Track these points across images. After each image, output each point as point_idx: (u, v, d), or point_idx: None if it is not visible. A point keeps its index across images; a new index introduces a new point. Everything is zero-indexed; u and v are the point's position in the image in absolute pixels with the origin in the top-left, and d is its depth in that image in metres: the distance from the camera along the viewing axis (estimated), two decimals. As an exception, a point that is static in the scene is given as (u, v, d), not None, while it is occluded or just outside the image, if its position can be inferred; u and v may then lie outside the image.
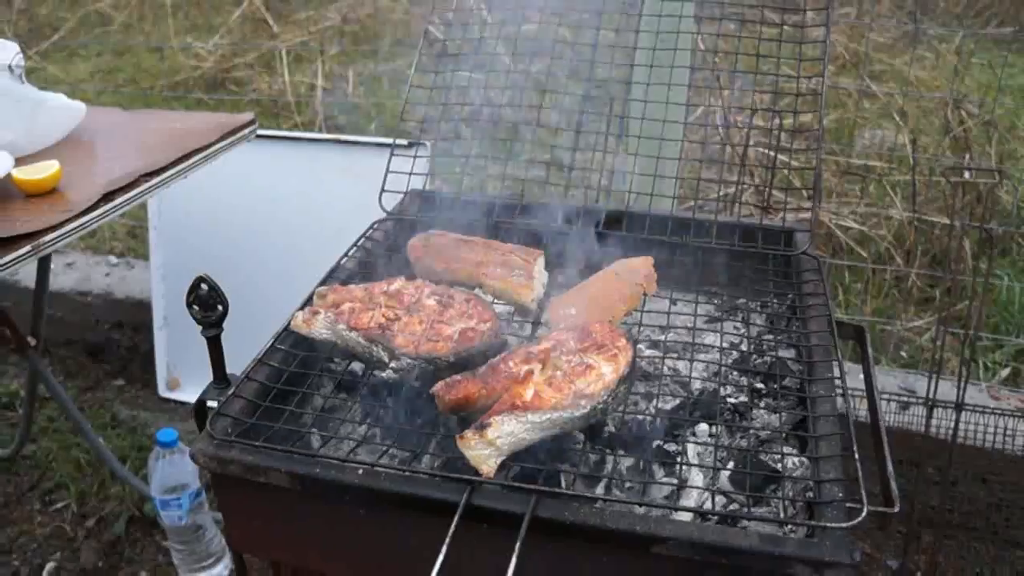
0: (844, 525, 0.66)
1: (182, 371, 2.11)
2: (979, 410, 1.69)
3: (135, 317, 2.24)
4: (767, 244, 1.07)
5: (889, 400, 1.76)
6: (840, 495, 0.69)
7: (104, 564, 1.71)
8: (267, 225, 1.92)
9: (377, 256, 1.06)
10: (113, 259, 2.44)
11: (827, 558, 0.64)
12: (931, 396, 1.51)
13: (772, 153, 1.38)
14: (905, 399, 1.76)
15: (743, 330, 0.95)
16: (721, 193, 1.96)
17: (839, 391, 0.82)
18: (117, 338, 2.32)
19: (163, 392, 2.11)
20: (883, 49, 2.89)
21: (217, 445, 0.76)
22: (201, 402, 0.93)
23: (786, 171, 2.16)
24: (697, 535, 0.66)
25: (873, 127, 2.59)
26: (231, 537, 0.84)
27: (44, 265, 1.68)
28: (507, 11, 1.48)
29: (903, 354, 2.03)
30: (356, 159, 1.93)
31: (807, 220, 1.67)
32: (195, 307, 0.89)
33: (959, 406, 1.51)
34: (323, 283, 0.96)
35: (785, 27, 1.26)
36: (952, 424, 1.51)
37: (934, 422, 1.55)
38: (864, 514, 0.66)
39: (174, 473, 1.54)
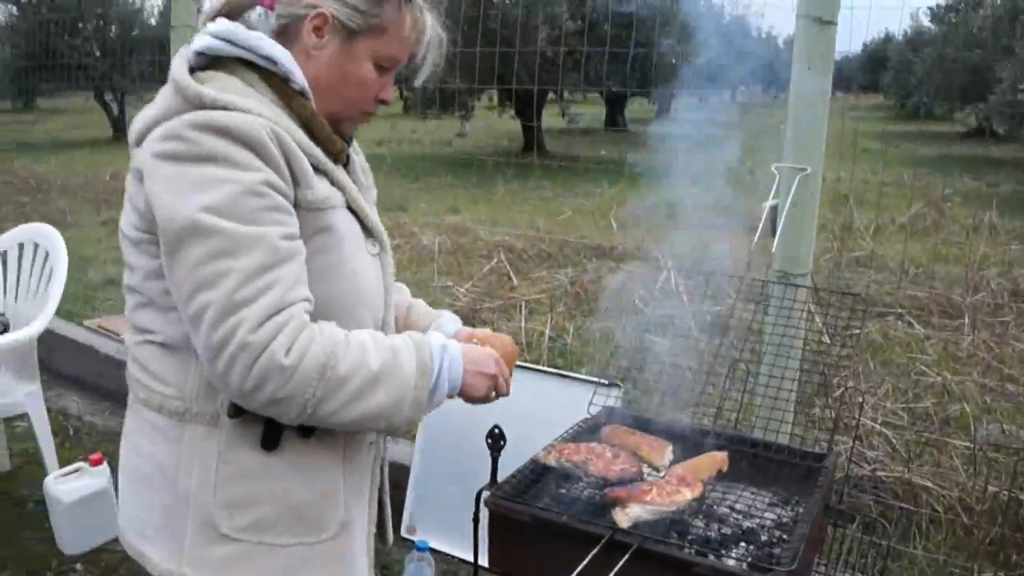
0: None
1: (418, 521, 3.06)
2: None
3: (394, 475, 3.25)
4: (805, 460, 1.91)
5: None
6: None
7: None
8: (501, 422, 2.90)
9: (581, 433, 2.00)
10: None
11: (774, 589, 1.46)
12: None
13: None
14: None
15: (771, 500, 1.79)
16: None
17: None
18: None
19: (403, 533, 3.05)
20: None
21: (498, 496, 1.69)
22: (480, 492, 1.85)
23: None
24: (725, 568, 1.50)
25: (996, 421, 3.30)
26: (494, 559, 1.73)
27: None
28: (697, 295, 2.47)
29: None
30: (568, 390, 2.89)
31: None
32: (489, 440, 1.84)
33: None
34: (554, 442, 1.90)
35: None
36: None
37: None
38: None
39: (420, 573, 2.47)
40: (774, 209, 2.49)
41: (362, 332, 1.27)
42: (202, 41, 1.30)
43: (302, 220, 1.25)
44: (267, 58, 1.30)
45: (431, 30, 1.40)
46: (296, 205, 1.25)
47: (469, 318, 4.35)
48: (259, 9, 1.36)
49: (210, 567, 1.30)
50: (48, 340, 3.14)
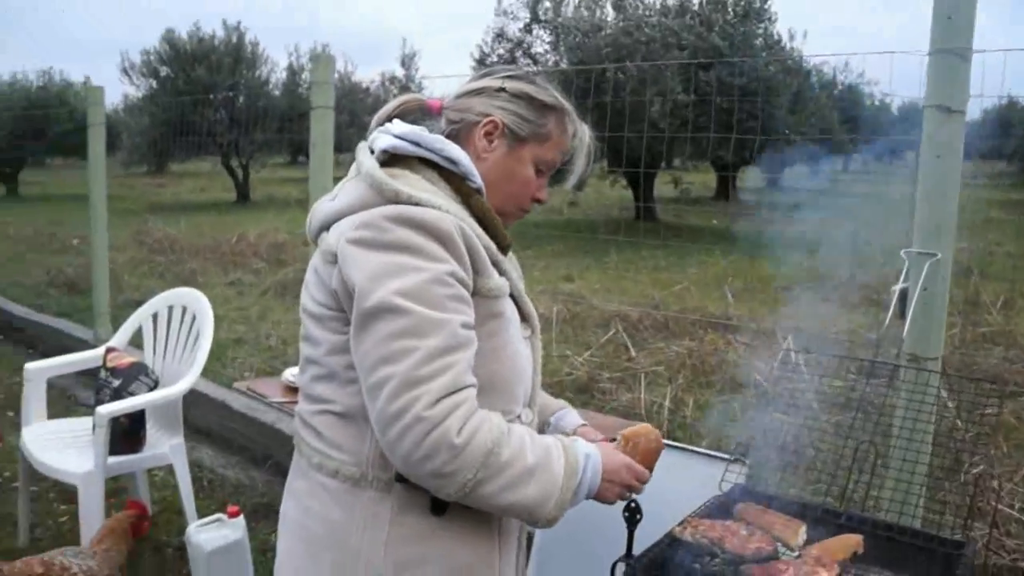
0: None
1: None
2: None
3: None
4: (943, 547, 1.89)
5: None
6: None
7: None
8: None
9: (714, 509, 2.03)
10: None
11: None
12: None
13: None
14: None
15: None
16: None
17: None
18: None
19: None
20: None
21: (636, 568, 1.74)
22: (615, 564, 1.90)
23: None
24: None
25: None
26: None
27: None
28: (818, 372, 2.49)
29: None
30: (693, 464, 2.91)
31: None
32: (626, 513, 1.89)
33: None
34: (689, 516, 1.94)
35: None
36: None
37: None
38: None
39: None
40: (904, 293, 2.50)
41: (520, 427, 1.37)
42: (388, 141, 1.44)
43: (478, 306, 1.37)
44: (449, 159, 1.44)
45: (586, 140, 1.57)
46: (474, 293, 1.37)
47: (587, 387, 4.42)
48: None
49: None
50: (185, 395, 3.35)
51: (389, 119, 1.51)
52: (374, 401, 1.27)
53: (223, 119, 18.61)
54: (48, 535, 3.57)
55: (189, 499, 3.36)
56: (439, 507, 1.38)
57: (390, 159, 1.44)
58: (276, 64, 21.86)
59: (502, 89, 1.49)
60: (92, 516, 2.99)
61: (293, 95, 20.34)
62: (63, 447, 3.22)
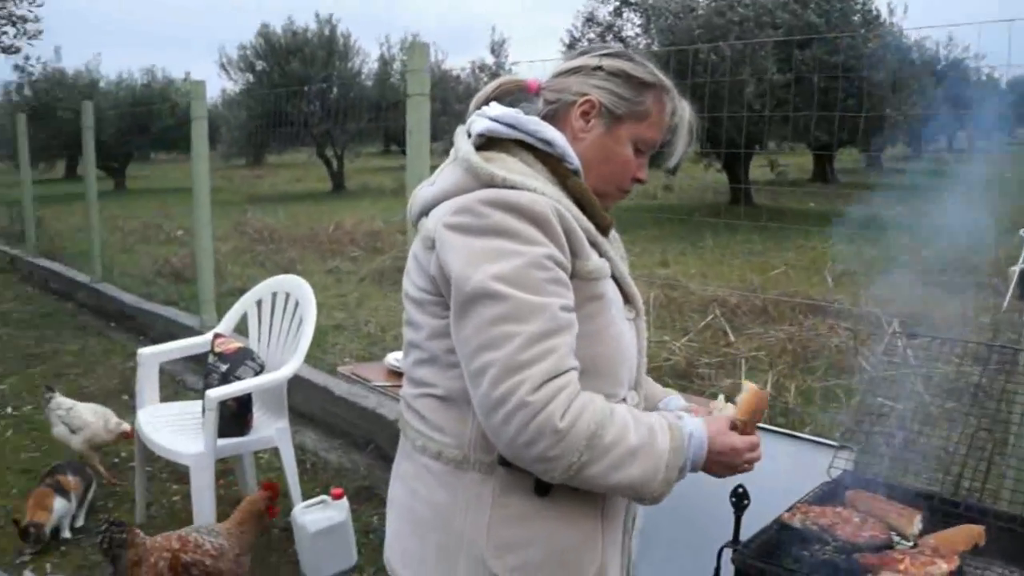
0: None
1: (641, 571, 3.09)
2: None
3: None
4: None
5: None
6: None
7: None
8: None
9: (823, 496, 1.98)
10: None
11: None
12: None
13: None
14: None
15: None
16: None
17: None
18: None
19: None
20: None
21: (745, 554, 1.71)
22: (722, 549, 1.88)
23: None
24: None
25: None
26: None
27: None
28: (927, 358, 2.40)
29: None
30: (797, 450, 2.85)
31: None
32: (733, 499, 1.86)
33: None
34: (798, 503, 1.90)
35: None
36: None
37: None
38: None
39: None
40: (1023, 274, 2.40)
41: (623, 407, 1.36)
42: (484, 124, 1.44)
43: (577, 288, 1.36)
44: (545, 141, 1.43)
45: (686, 117, 1.52)
46: (573, 275, 1.36)
47: (686, 373, 4.37)
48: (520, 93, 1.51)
49: None
50: (289, 380, 3.43)
51: (487, 102, 1.51)
52: (476, 387, 1.28)
53: (317, 111, 18.98)
54: (162, 513, 3.71)
55: (294, 481, 3.44)
56: (542, 488, 1.38)
57: (487, 142, 1.44)
58: (368, 55, 22.15)
59: (599, 67, 1.47)
60: (203, 495, 3.09)
61: (385, 85, 20.63)
62: (175, 429, 3.35)
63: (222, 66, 21.39)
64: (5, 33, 7.40)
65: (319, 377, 4.83)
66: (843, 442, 2.33)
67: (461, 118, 1.56)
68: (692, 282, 6.70)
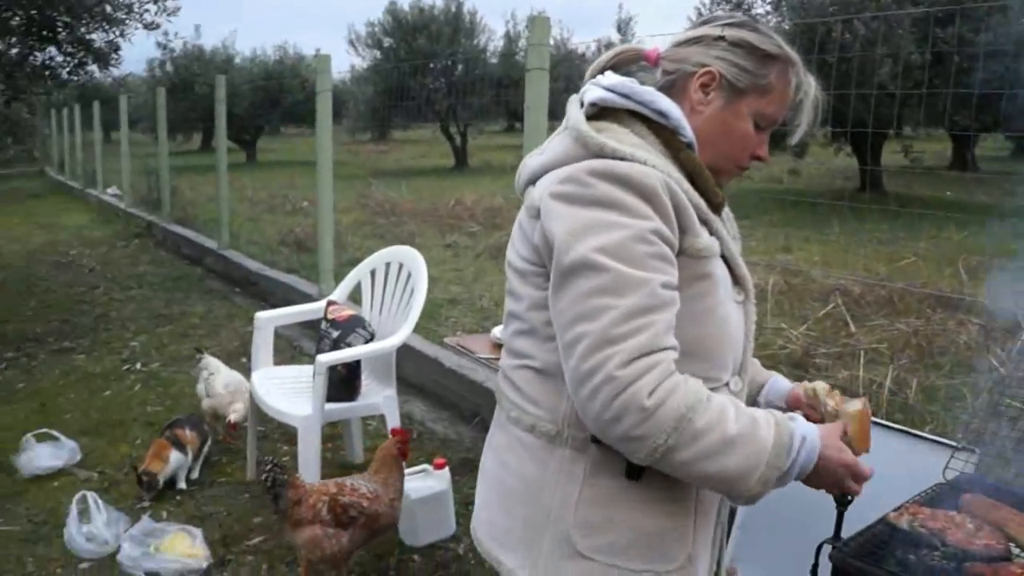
0: None
1: (740, 563, 3.02)
2: None
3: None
4: None
5: None
6: None
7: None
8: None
9: (937, 498, 1.88)
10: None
11: None
12: None
13: None
14: None
15: None
16: None
17: None
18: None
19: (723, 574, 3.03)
20: None
21: (845, 553, 1.64)
22: (821, 545, 1.80)
23: None
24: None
25: None
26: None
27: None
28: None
29: None
30: (914, 449, 2.72)
31: None
32: (837, 495, 1.78)
33: None
34: (907, 503, 1.81)
35: None
36: None
37: None
38: None
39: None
40: None
41: (723, 396, 1.30)
42: (597, 93, 1.40)
43: (684, 266, 1.31)
44: (659, 112, 1.38)
45: (812, 93, 1.44)
46: (680, 252, 1.31)
47: (802, 363, 4.23)
48: (642, 63, 1.46)
49: None
50: (398, 349, 3.48)
51: (603, 71, 1.46)
52: (568, 359, 1.25)
53: (441, 87, 19.18)
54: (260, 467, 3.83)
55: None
56: (634, 471, 1.34)
57: (599, 112, 1.40)
58: (493, 32, 22.26)
59: (721, 38, 1.40)
60: (309, 457, 3.18)
61: (510, 62, 20.66)
62: (286, 392, 3.44)
63: (350, 42, 21.87)
64: (147, 10, 7.83)
65: (430, 349, 4.89)
66: (965, 443, 2.20)
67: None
68: (814, 269, 6.47)
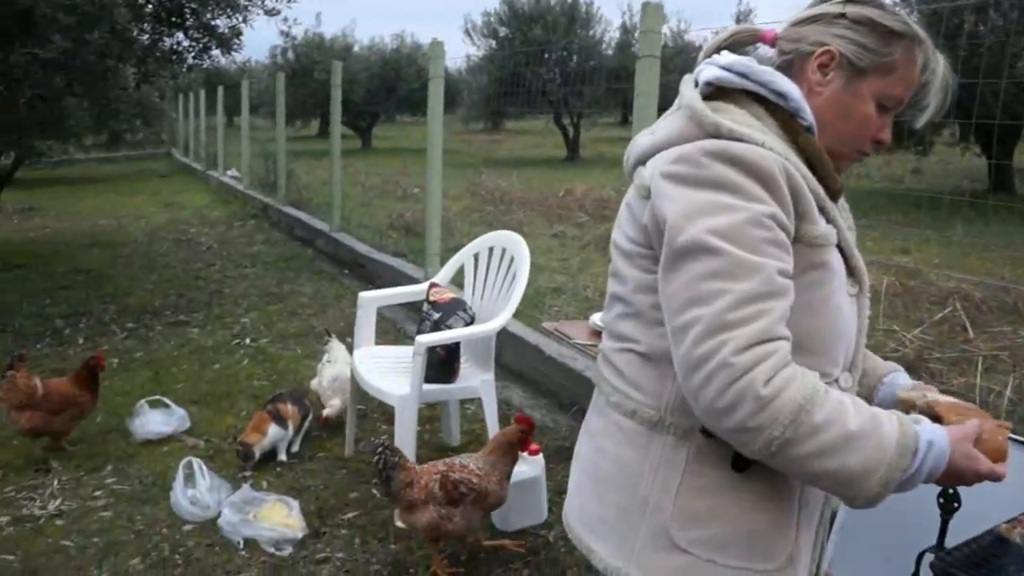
0: None
1: (836, 567, 2.92)
2: None
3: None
4: None
5: None
6: None
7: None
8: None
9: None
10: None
11: None
12: None
13: None
14: None
15: None
16: None
17: None
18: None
19: (819, 580, 2.94)
20: None
21: (948, 563, 1.56)
22: (922, 553, 1.72)
23: None
24: None
25: None
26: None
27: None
28: None
29: None
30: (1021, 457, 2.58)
31: None
32: (941, 499, 1.70)
33: None
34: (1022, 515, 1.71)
35: None
36: None
37: None
38: None
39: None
40: None
41: (840, 392, 1.22)
42: (713, 72, 1.34)
43: (800, 254, 1.25)
44: (778, 93, 1.32)
45: (941, 72, 1.36)
46: (796, 240, 1.25)
47: (914, 367, 4.05)
48: (759, 44, 1.40)
49: (657, 573, 1.33)
50: (499, 335, 3.49)
51: (718, 51, 1.41)
52: (679, 344, 1.20)
53: (556, 78, 19.15)
54: (369, 449, 3.90)
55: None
56: (741, 463, 1.28)
57: (715, 92, 1.34)
58: (609, 23, 22.08)
59: (842, 15, 1.33)
60: (405, 436, 3.22)
61: (625, 54, 20.49)
62: (386, 371, 3.50)
63: (466, 32, 22.04)
64: (269, -4, 8.06)
65: (531, 336, 4.90)
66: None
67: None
68: (933, 272, 6.20)
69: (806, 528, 1.38)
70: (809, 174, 1.28)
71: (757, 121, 1.30)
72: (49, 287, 7.12)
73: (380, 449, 2.76)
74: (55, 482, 3.56)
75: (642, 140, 1.39)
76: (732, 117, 1.28)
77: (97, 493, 3.48)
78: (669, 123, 1.34)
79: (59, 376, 4.02)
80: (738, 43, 1.42)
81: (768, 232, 1.19)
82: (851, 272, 1.35)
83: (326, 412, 4.00)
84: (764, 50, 1.42)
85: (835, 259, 1.31)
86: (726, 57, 1.36)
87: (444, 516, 2.75)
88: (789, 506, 1.34)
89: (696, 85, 1.37)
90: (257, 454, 3.63)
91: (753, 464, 1.27)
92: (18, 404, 3.65)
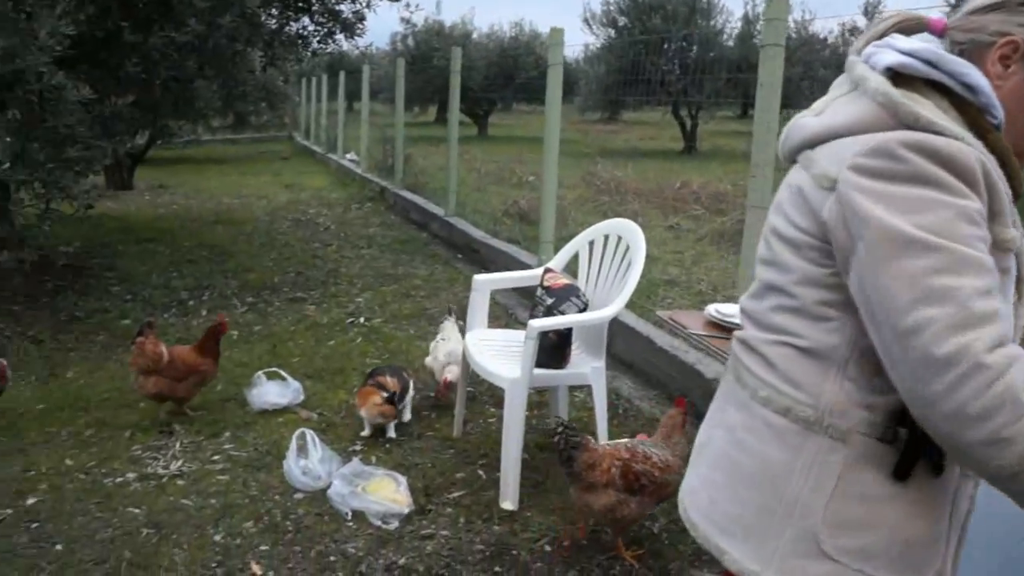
0: None
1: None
2: None
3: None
4: None
5: None
6: None
7: None
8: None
9: None
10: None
11: None
12: None
13: None
14: None
15: None
16: None
17: None
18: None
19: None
20: None
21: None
22: None
23: None
24: None
25: None
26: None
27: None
28: None
29: None
30: None
31: None
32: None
33: None
34: None
35: None
36: None
37: None
38: None
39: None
40: None
41: None
42: (894, 57, 1.25)
43: None
44: (968, 86, 1.23)
45: None
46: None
47: None
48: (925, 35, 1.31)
49: None
50: (611, 324, 3.46)
51: (879, 38, 1.31)
52: (908, 347, 1.09)
53: (675, 69, 18.89)
54: (477, 431, 3.94)
55: (603, 422, 3.48)
56: (903, 470, 1.21)
57: (892, 78, 1.25)
58: (731, 13, 21.62)
59: None
60: (513, 419, 3.22)
61: (747, 45, 20.04)
62: (497, 354, 3.51)
63: (585, 21, 21.95)
64: (388, -18, 8.19)
65: (643, 326, 4.85)
66: None
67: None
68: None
69: (953, 542, 1.29)
70: (1001, 173, 1.19)
71: (943, 114, 1.21)
72: (176, 260, 7.43)
73: (560, 429, 2.76)
74: (177, 444, 3.72)
75: (809, 122, 1.31)
76: (924, 108, 1.19)
77: (215, 457, 3.62)
78: (850, 108, 1.26)
79: (183, 344, 4.18)
80: (902, 31, 1.32)
81: (978, 229, 1.12)
82: (1020, 280, 1.26)
83: (448, 376, 4.07)
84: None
85: (1014, 266, 1.22)
86: (910, 42, 1.27)
87: (622, 501, 2.75)
88: (944, 519, 1.26)
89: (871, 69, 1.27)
90: (398, 406, 3.77)
91: (915, 474, 1.21)
92: (145, 369, 3.82)
